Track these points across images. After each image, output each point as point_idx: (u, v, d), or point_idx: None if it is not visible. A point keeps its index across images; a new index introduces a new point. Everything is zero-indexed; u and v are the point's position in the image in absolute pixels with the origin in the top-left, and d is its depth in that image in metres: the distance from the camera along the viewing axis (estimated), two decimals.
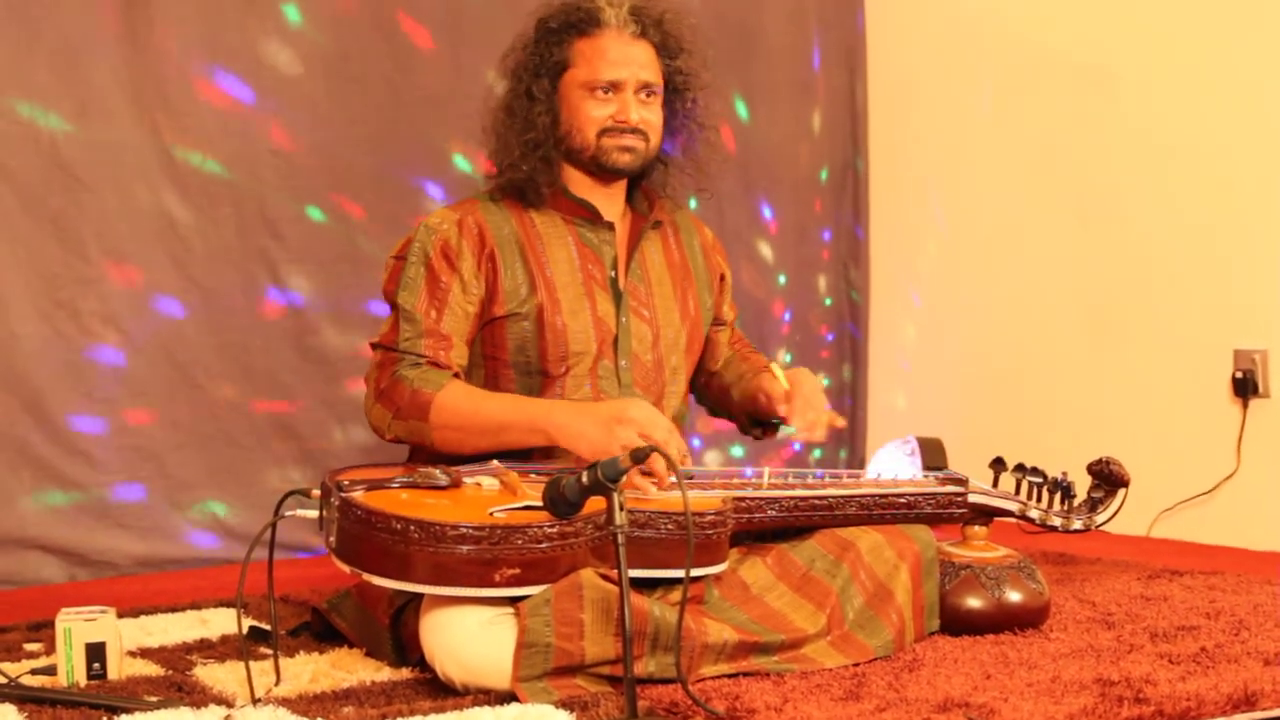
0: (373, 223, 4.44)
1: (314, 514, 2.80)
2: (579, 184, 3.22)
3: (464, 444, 2.99)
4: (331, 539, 2.73)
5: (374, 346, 3.10)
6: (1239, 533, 4.36)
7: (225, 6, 4.22)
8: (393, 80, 4.48)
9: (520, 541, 2.61)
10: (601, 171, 3.21)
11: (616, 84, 3.16)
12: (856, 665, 2.83)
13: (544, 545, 2.63)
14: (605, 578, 2.66)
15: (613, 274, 3.20)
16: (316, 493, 2.81)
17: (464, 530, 2.59)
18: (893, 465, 3.31)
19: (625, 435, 2.85)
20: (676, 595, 2.74)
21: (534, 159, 3.15)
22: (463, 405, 2.98)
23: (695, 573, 2.81)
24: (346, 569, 2.69)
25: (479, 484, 2.86)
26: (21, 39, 3.97)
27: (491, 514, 2.67)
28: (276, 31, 4.30)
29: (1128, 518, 4.46)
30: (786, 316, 5.29)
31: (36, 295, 4.02)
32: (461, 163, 4.57)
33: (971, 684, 2.66)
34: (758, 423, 3.42)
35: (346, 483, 2.74)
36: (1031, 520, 3.28)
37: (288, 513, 2.74)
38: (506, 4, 4.58)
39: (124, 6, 4.10)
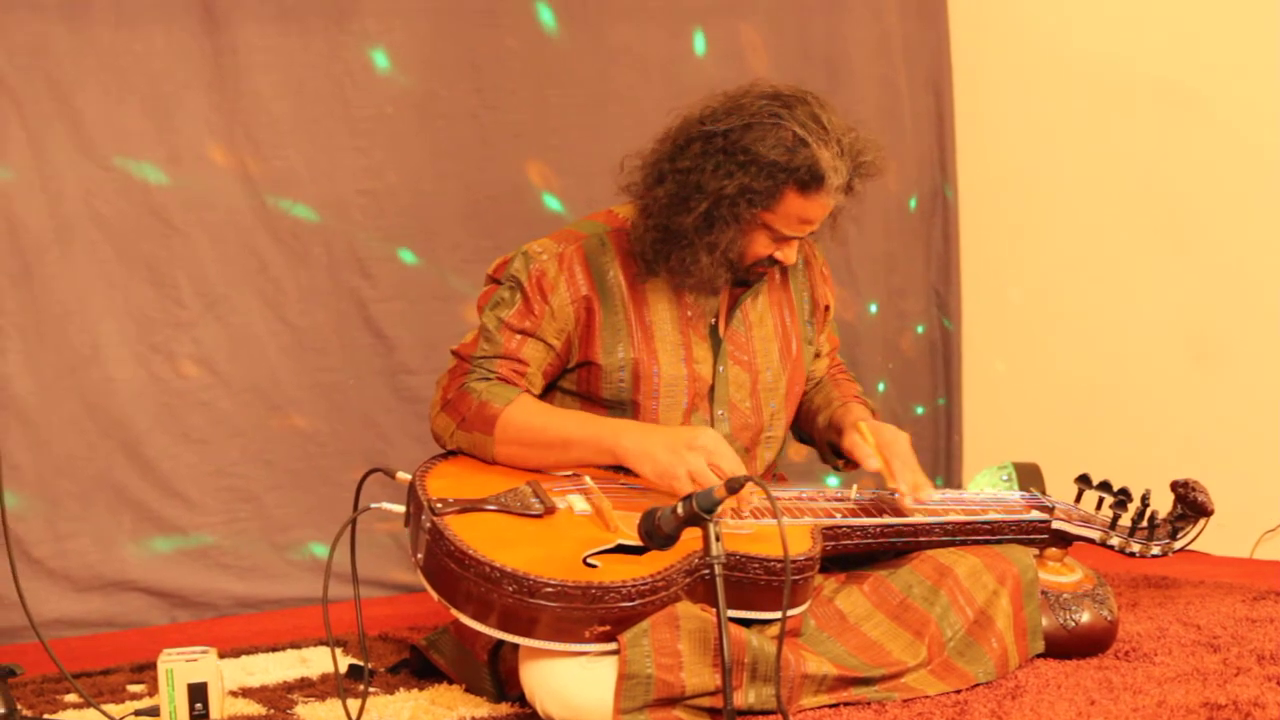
0: (463, 261, 4.45)
1: (399, 509, 2.82)
2: None
3: (527, 460, 2.98)
4: (419, 555, 2.74)
5: (452, 353, 3.09)
6: None
7: (312, 50, 4.25)
8: (480, 118, 4.49)
9: (613, 600, 2.61)
10: (732, 277, 3.14)
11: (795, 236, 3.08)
12: (958, 693, 2.81)
13: (635, 603, 2.62)
14: (701, 608, 2.65)
15: (713, 321, 3.16)
16: (402, 476, 2.83)
17: (557, 587, 2.59)
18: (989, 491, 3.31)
19: (693, 461, 2.84)
20: (773, 630, 2.72)
21: (705, 270, 3.03)
22: (531, 421, 2.97)
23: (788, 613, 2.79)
24: (435, 597, 2.70)
25: (570, 507, 2.84)
26: (113, 89, 4.02)
27: (585, 560, 2.66)
28: (363, 73, 4.32)
29: (1231, 539, 4.42)
30: (878, 345, 5.25)
31: (132, 340, 4.06)
32: (550, 200, 4.57)
33: (1076, 710, 2.63)
34: (838, 453, 3.33)
35: (439, 504, 2.74)
36: (1111, 548, 3.26)
37: (372, 505, 2.76)
38: (592, 38, 4.62)
39: (213, 53, 4.14)
